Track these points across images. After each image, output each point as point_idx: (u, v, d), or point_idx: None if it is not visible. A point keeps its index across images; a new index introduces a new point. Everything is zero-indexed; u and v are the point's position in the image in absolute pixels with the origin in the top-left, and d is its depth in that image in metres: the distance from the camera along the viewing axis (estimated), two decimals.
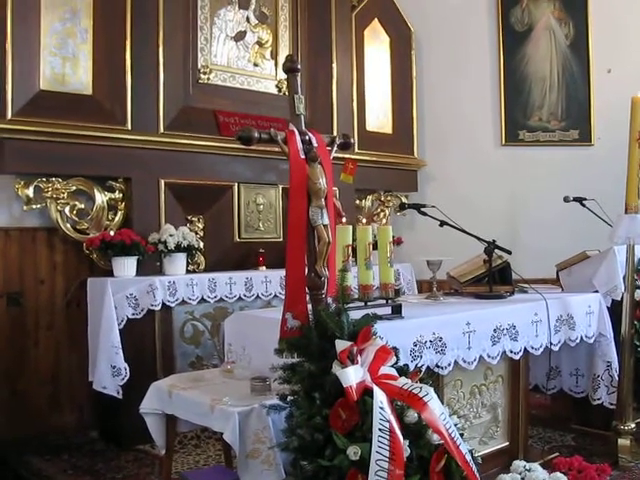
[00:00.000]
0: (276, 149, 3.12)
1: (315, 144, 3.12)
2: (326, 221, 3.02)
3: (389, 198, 7.67)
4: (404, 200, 7.62)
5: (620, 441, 4.48)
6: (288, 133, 3.07)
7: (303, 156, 3.06)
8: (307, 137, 3.12)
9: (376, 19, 7.53)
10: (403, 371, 2.93)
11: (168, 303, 5.24)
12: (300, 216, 3.00)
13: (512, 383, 4.30)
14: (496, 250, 4.45)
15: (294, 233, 3.02)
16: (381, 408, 2.60)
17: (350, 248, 3.33)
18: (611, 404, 4.59)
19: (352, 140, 3.43)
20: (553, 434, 5.17)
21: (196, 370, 5.15)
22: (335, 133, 6.63)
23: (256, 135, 2.99)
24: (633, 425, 4.51)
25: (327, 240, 3.00)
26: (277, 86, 6.66)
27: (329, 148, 3.25)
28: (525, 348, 4.06)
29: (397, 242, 7.23)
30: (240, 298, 5.63)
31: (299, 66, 3.25)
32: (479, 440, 4.10)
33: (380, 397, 2.63)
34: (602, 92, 7.71)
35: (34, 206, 5.23)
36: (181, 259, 5.51)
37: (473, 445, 3.88)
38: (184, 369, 5.28)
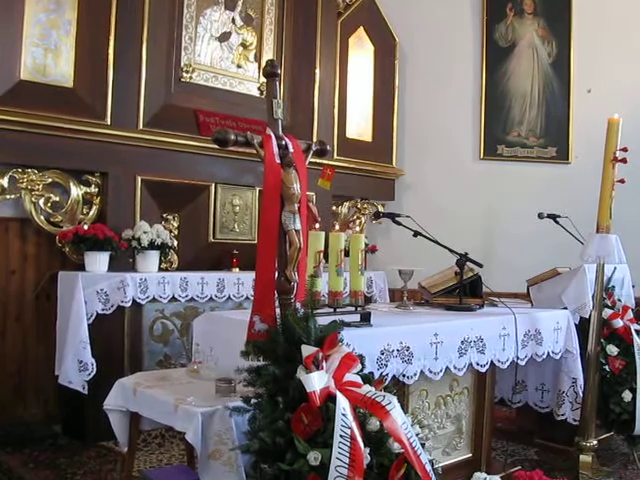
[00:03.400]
0: (254, 151, 3.13)
1: (291, 149, 3.14)
2: (298, 226, 3.04)
3: (365, 206, 7.70)
4: (380, 208, 7.66)
5: (582, 457, 4.51)
6: (265, 137, 3.09)
7: (279, 161, 3.07)
8: (283, 142, 3.14)
9: (362, 27, 7.56)
10: (368, 379, 2.94)
11: (139, 300, 5.22)
12: (272, 220, 3.02)
13: (477, 395, 4.33)
14: (468, 263, 4.48)
15: (266, 237, 3.04)
16: (343, 415, 2.61)
17: (322, 254, 3.33)
18: (575, 420, 4.62)
19: (328, 147, 3.45)
20: (517, 447, 5.20)
21: (164, 369, 5.14)
22: (315, 138, 6.67)
23: (232, 137, 2.99)
24: (595, 442, 4.54)
25: (298, 245, 3.02)
26: (259, 89, 6.67)
27: (305, 154, 3.26)
28: (492, 361, 4.08)
29: (372, 250, 7.25)
30: (211, 298, 5.63)
31: (279, 71, 3.25)
32: (442, 450, 4.13)
33: (343, 404, 2.64)
34: (581, 111, 7.79)
35: (8, 196, 5.20)
36: (154, 257, 5.49)
37: (436, 455, 3.92)
38: (152, 367, 5.27)
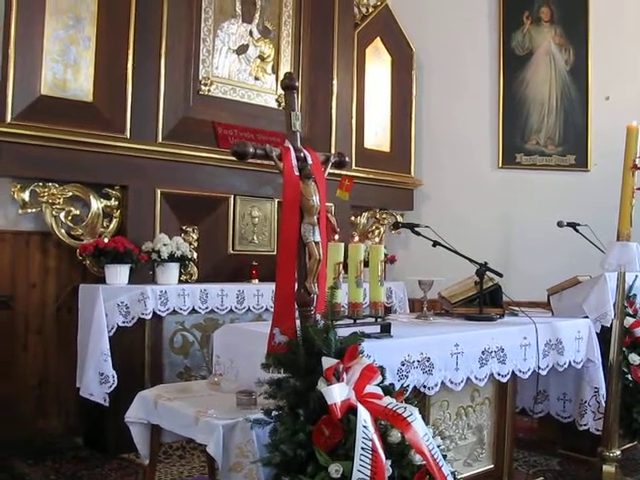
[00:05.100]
0: (273, 163, 3.14)
1: (310, 161, 3.14)
2: (317, 238, 3.04)
3: (384, 216, 7.69)
4: (399, 219, 7.67)
5: (605, 467, 4.46)
6: (283, 150, 3.09)
7: (297, 173, 3.08)
8: (302, 154, 3.15)
9: (378, 38, 7.59)
10: (388, 390, 2.93)
11: (159, 312, 5.24)
12: (292, 232, 3.02)
13: (499, 405, 4.30)
14: (487, 272, 4.46)
15: (285, 249, 3.04)
16: (364, 427, 2.60)
17: (341, 265, 3.33)
18: (597, 430, 4.57)
19: (347, 159, 3.45)
20: (539, 458, 5.16)
21: (184, 381, 5.15)
22: (333, 149, 6.70)
23: (251, 150, 3.01)
24: (618, 452, 4.49)
25: (318, 257, 3.02)
26: (277, 100, 6.69)
27: (324, 166, 3.27)
28: (513, 371, 4.06)
29: (391, 260, 7.25)
30: (231, 310, 5.64)
31: (297, 84, 3.26)
32: (464, 462, 4.10)
33: (364, 416, 2.64)
34: (600, 119, 7.76)
35: (29, 210, 5.25)
36: (174, 269, 5.52)
37: (458, 467, 3.89)
38: (172, 379, 5.28)
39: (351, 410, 2.67)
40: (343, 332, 3.02)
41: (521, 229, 7.70)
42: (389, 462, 2.61)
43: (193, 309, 5.45)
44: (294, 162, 3.10)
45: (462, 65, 7.93)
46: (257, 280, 6.05)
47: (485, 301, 4.50)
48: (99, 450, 5.17)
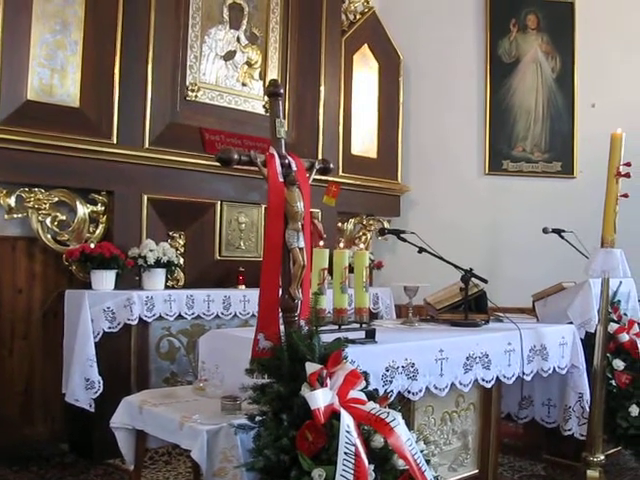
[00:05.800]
0: (258, 169, 3.15)
1: (294, 168, 3.16)
2: (302, 244, 3.06)
3: (371, 222, 7.70)
4: (386, 225, 7.67)
5: (589, 472, 4.47)
6: (268, 156, 3.11)
7: (282, 179, 3.09)
8: (287, 161, 3.16)
9: (366, 45, 7.60)
10: (372, 396, 2.95)
11: (145, 318, 5.23)
12: (276, 238, 3.04)
13: (484, 411, 4.32)
14: (473, 278, 4.48)
15: (270, 255, 3.06)
16: (347, 432, 2.61)
17: (326, 271, 3.34)
18: (582, 435, 4.60)
19: (331, 165, 3.47)
20: (524, 463, 5.19)
21: (170, 386, 5.15)
22: (320, 155, 6.71)
23: (235, 157, 3.02)
24: (602, 457, 4.50)
25: (302, 263, 3.03)
26: (264, 106, 6.69)
27: (308, 172, 3.29)
28: (497, 377, 4.08)
29: (378, 266, 7.27)
30: (217, 316, 5.63)
31: (282, 91, 3.27)
32: (449, 467, 4.12)
33: (347, 421, 2.65)
34: (585, 126, 7.81)
35: (15, 215, 5.22)
36: (160, 274, 5.51)
37: (442, 472, 3.91)
38: (158, 385, 5.27)
39: (334, 415, 2.68)
40: (328, 338, 3.04)
41: (507, 235, 7.73)
42: (372, 467, 2.63)
43: (179, 315, 5.45)
44: (278, 169, 3.12)
45: (449, 72, 7.96)
46: (244, 286, 6.05)
47: (470, 307, 4.53)
48: (85, 456, 5.15)
